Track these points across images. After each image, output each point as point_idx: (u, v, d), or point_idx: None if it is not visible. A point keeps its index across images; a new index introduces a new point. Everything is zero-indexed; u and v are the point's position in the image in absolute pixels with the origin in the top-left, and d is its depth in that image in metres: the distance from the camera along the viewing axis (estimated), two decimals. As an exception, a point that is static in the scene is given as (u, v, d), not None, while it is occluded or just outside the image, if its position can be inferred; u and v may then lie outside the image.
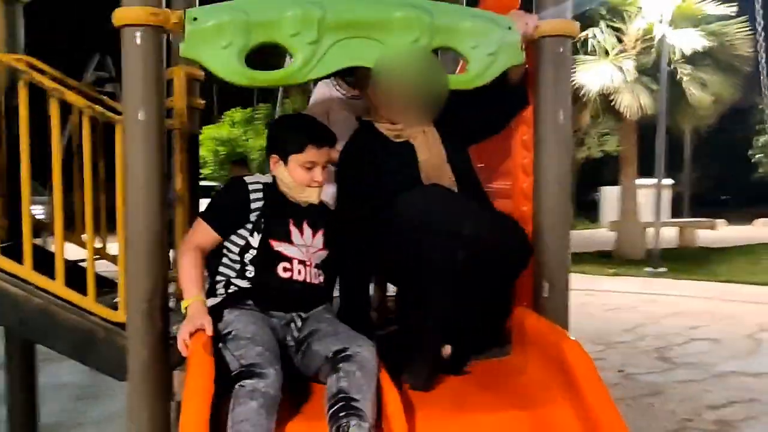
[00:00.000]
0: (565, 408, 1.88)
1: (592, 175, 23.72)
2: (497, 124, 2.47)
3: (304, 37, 2.13)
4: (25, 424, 3.38)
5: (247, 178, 2.26)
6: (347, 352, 1.97)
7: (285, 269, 2.19)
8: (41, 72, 2.61)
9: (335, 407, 1.83)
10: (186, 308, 1.96)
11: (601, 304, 9.52)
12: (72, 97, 2.40)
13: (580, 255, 14.18)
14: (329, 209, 2.39)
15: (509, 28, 2.25)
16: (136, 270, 2.09)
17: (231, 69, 2.11)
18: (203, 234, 2.17)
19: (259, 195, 2.21)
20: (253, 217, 2.18)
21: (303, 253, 2.22)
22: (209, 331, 1.91)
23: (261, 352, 1.92)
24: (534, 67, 2.34)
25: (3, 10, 3.08)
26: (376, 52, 2.19)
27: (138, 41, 2.07)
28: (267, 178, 2.28)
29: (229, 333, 1.99)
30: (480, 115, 2.43)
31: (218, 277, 2.19)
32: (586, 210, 24.67)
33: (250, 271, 2.17)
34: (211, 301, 2.13)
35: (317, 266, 2.26)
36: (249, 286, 2.16)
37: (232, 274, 2.18)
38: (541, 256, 2.29)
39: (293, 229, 2.23)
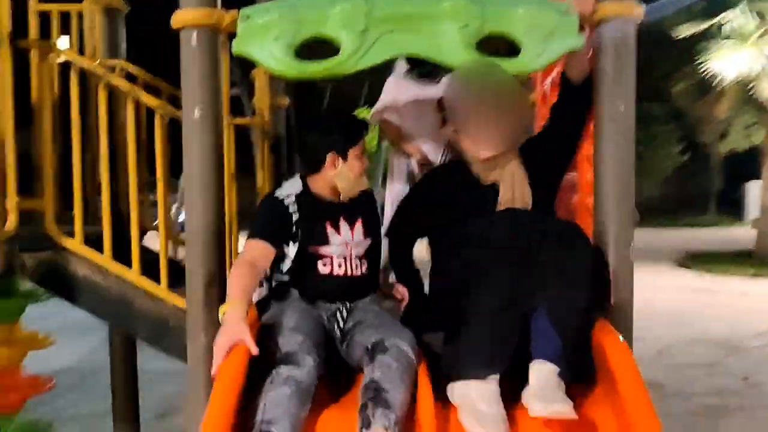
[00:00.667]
0: (605, 406, 1.79)
1: (738, 170, 22.25)
2: (574, 133, 2.35)
3: (351, 29, 2.14)
4: (128, 411, 3.63)
5: (278, 193, 2.26)
6: (385, 344, 1.97)
7: (324, 264, 2.22)
8: (133, 77, 2.80)
9: (366, 397, 1.83)
10: (224, 313, 1.96)
11: (732, 305, 8.91)
12: (146, 98, 2.55)
13: (718, 254, 13.34)
14: (365, 196, 2.35)
15: (565, 12, 2.15)
16: (194, 262, 2.19)
17: (281, 61, 2.15)
18: (253, 249, 2.16)
19: (295, 207, 2.22)
20: (293, 228, 2.20)
21: (342, 249, 2.24)
22: (253, 350, 1.87)
23: (302, 341, 1.95)
24: (594, 54, 2.23)
25: (104, 20, 3.32)
26: (424, 41, 2.16)
27: (194, 42, 2.16)
28: (294, 188, 2.27)
29: (274, 324, 2.04)
30: (557, 130, 2.34)
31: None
32: (731, 207, 23.26)
33: (294, 274, 2.22)
34: (257, 295, 2.18)
35: (358, 257, 2.27)
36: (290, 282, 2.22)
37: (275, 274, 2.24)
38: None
39: (330, 231, 2.24)
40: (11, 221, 2.59)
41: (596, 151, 2.22)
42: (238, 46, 2.18)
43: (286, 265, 2.22)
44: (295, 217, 2.20)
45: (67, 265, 2.60)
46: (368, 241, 2.30)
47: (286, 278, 2.23)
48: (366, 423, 1.78)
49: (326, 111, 3.20)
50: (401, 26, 2.16)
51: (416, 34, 2.16)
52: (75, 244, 2.60)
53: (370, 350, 1.98)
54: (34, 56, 2.55)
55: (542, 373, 1.84)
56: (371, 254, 2.32)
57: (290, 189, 2.26)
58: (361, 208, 2.31)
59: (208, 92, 2.19)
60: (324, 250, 2.23)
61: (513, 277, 1.94)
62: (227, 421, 1.72)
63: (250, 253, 2.15)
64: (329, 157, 2.21)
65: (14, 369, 3.05)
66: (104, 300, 2.56)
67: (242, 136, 3.33)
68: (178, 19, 2.17)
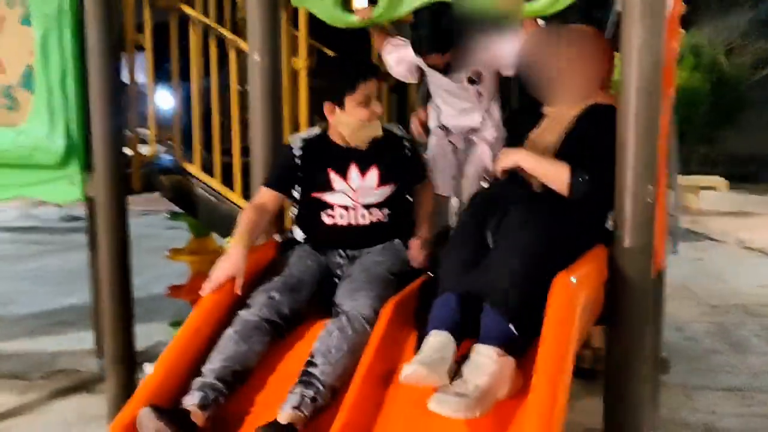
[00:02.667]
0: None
1: None
2: None
3: (388, -19, 2.31)
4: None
5: (291, 137, 2.39)
6: (340, 308, 2.05)
7: (328, 215, 2.30)
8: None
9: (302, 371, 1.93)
10: (228, 244, 2.22)
11: None
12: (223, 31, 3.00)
13: None
14: (391, 142, 2.37)
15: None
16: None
17: (330, 14, 2.41)
18: (261, 195, 2.34)
19: (300, 152, 2.32)
20: (298, 173, 2.32)
21: (348, 197, 2.28)
22: (237, 291, 2.08)
23: (277, 282, 2.12)
24: None
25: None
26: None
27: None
28: (310, 132, 2.37)
29: (272, 270, 2.24)
30: None
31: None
32: None
33: (301, 221, 2.38)
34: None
35: (368, 206, 2.29)
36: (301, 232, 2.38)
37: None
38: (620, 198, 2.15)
39: (333, 177, 2.29)
40: (152, 149, 3.22)
41: (622, 87, 2.16)
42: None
43: (295, 210, 2.38)
44: (299, 162, 2.31)
45: (191, 187, 3.16)
46: (386, 189, 2.32)
47: (298, 231, 2.38)
48: (287, 400, 1.86)
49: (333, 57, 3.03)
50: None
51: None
52: (195, 169, 3.14)
53: (333, 310, 2.08)
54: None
55: (469, 365, 1.78)
56: (392, 202, 2.33)
57: (306, 134, 2.39)
58: (382, 154, 2.32)
59: (268, 40, 2.53)
60: (327, 197, 2.30)
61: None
62: (179, 360, 1.95)
63: (258, 198, 2.35)
64: (326, 105, 2.26)
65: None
66: (216, 215, 3.07)
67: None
68: (243, -25, 2.53)
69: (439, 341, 1.80)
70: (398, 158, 2.37)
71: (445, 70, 2.39)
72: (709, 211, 10.75)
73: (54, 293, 6.34)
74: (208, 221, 3.19)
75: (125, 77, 3.14)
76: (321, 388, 1.87)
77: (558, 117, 2.36)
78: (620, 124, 2.14)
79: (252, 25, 2.53)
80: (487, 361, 1.73)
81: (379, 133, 2.32)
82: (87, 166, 2.94)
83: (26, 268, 7.48)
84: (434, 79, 2.48)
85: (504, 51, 2.37)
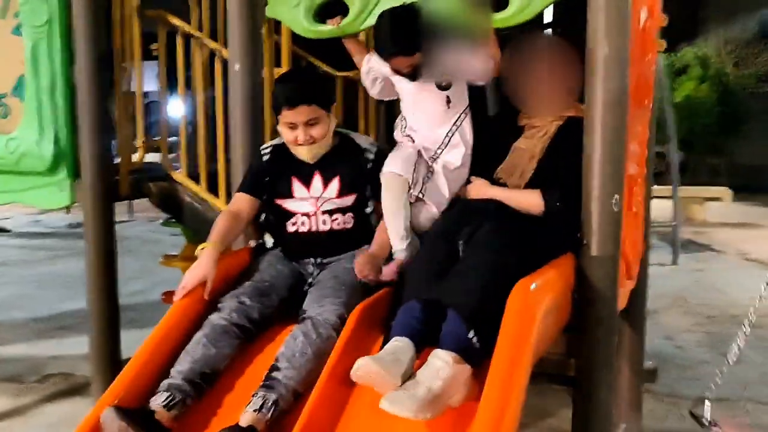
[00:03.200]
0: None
1: None
2: None
3: (358, -7, 2.37)
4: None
5: (263, 146, 2.43)
6: (306, 314, 2.07)
7: (292, 224, 2.35)
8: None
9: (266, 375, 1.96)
10: (201, 249, 2.21)
11: None
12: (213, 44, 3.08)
13: None
14: (355, 154, 2.37)
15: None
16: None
17: (301, 25, 2.47)
18: (236, 200, 2.39)
19: (268, 158, 2.38)
20: (266, 179, 2.37)
21: (308, 205, 2.33)
22: (206, 295, 2.13)
23: (248, 287, 2.16)
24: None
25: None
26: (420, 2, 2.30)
27: (236, 7, 2.57)
28: (279, 140, 2.37)
29: (245, 275, 2.27)
30: None
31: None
32: None
33: (269, 228, 2.44)
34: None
35: (329, 212, 2.33)
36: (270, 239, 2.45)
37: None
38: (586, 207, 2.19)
39: (296, 185, 2.33)
40: (140, 155, 3.29)
41: (587, 96, 2.19)
42: (270, 11, 2.54)
43: (263, 216, 2.42)
44: (267, 167, 2.37)
45: (177, 193, 3.22)
46: (347, 199, 2.34)
47: (269, 239, 2.45)
48: (249, 403, 1.88)
49: (293, 68, 2.97)
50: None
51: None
52: (181, 177, 3.21)
53: (299, 317, 2.10)
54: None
55: (425, 368, 1.80)
56: (357, 209, 2.36)
57: (277, 141, 2.41)
58: (343, 165, 2.34)
59: (249, 49, 2.59)
60: (290, 205, 2.35)
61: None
62: (148, 363, 2.00)
63: (234, 203, 2.40)
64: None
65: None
66: (202, 220, 3.12)
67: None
68: (222, -13, 2.59)
69: (396, 345, 1.84)
70: (359, 170, 2.37)
71: (412, 75, 2.33)
72: (713, 222, 10.71)
73: (58, 298, 6.41)
74: (195, 227, 3.24)
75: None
76: (284, 392, 1.90)
77: (541, 127, 2.43)
78: (587, 135, 2.18)
79: (232, 35, 2.59)
80: (442, 366, 1.76)
81: (308, 159, 2.32)
82: (75, 173, 3.01)
83: (33, 273, 7.57)
84: (401, 86, 2.44)
85: (473, 60, 2.37)
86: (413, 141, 2.38)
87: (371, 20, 2.39)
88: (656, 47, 2.91)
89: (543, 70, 2.41)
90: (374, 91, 2.56)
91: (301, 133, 2.25)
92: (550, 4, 2.21)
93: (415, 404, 1.67)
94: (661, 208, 9.39)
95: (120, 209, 9.72)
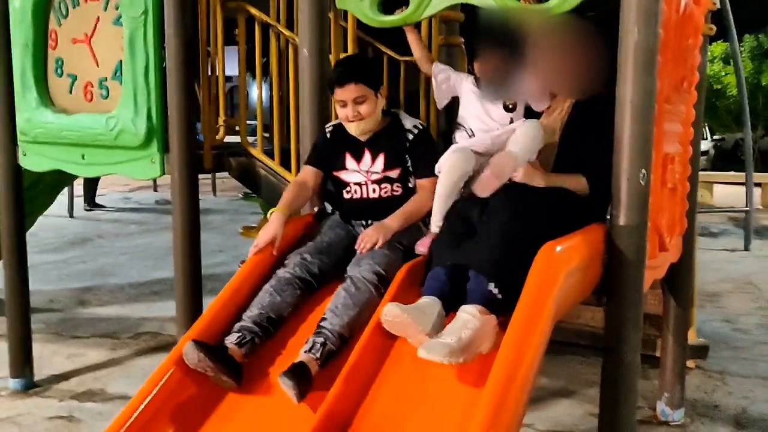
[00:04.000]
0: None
1: None
2: None
3: (417, -15, 2.61)
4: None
5: (327, 124, 2.74)
6: (348, 274, 2.37)
7: (347, 192, 2.67)
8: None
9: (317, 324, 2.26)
10: (271, 213, 2.53)
11: None
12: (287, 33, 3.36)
13: None
14: (400, 134, 2.63)
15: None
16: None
17: (366, 15, 2.72)
18: (303, 172, 2.73)
19: (329, 136, 2.70)
20: (328, 153, 2.69)
21: (361, 176, 2.63)
22: (275, 251, 2.46)
23: (310, 246, 2.49)
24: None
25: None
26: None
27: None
28: (339, 121, 2.67)
29: (309, 236, 2.61)
30: None
31: None
32: None
33: (329, 196, 2.75)
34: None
35: (377, 182, 2.62)
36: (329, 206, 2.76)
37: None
38: (616, 181, 2.37)
39: (349, 159, 2.64)
40: (221, 134, 3.64)
41: (618, 77, 2.37)
42: (340, 2, 2.79)
43: (329, 185, 2.72)
44: (327, 143, 2.69)
45: (254, 167, 3.55)
46: (392, 173, 2.62)
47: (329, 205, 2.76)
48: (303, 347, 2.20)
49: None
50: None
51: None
52: (257, 152, 3.54)
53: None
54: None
55: (455, 321, 2.03)
56: (403, 179, 2.64)
57: (337, 121, 2.71)
58: (389, 142, 2.63)
59: (317, 37, 2.88)
60: (345, 176, 2.66)
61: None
62: (224, 308, 2.33)
63: (300, 175, 2.74)
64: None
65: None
66: (275, 192, 3.44)
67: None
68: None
69: (422, 301, 2.11)
70: (402, 147, 2.63)
71: (486, 81, 2.58)
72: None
73: (148, 267, 7.00)
74: (269, 198, 3.57)
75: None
76: (329, 335, 2.19)
77: (555, 106, 2.65)
78: (618, 115, 2.35)
79: (302, 24, 2.88)
80: (470, 318, 2.01)
81: (357, 134, 2.61)
82: (165, 148, 3.38)
83: (126, 245, 8.21)
84: (470, 95, 2.65)
85: (534, 85, 2.56)
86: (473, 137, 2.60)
87: (429, 11, 2.62)
88: (700, 32, 3.03)
89: (563, 53, 2.56)
90: (439, 92, 2.80)
91: (350, 110, 2.54)
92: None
93: (447, 350, 1.92)
94: (736, 194, 9.28)
95: (204, 188, 10.28)
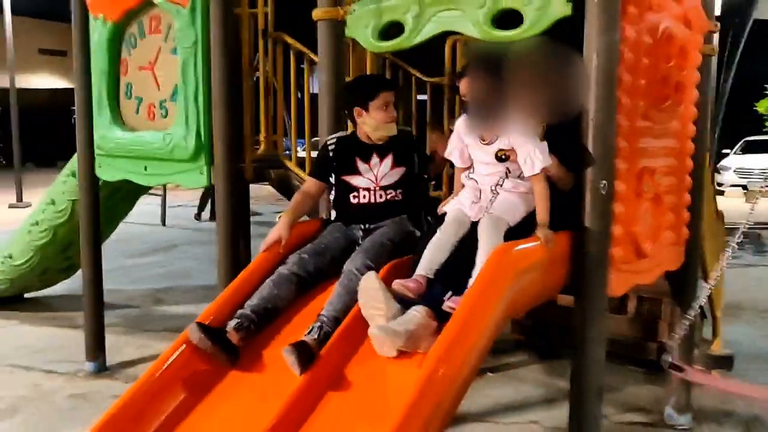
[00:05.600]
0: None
1: None
2: None
3: (410, 13, 2.94)
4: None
5: (328, 138, 3.07)
6: (345, 268, 2.65)
7: (353, 197, 2.96)
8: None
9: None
10: (279, 217, 2.90)
11: None
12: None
13: None
14: (402, 138, 2.98)
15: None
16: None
17: (368, 42, 3.09)
18: (307, 183, 3.10)
19: (333, 147, 3.02)
20: (332, 163, 3.01)
21: (369, 179, 2.94)
22: (281, 249, 2.80)
23: (308, 248, 2.82)
24: None
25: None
26: (458, 19, 2.83)
27: (325, 29, 3.25)
28: (342, 133, 3.06)
29: (311, 240, 2.93)
30: None
31: None
32: None
33: (334, 203, 3.07)
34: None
35: (384, 188, 2.93)
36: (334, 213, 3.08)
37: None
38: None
39: (360, 163, 2.94)
40: (262, 148, 4.08)
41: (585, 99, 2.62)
42: (348, 32, 3.18)
43: (332, 194, 3.05)
44: (332, 155, 3.01)
45: (289, 178, 3.97)
46: (399, 170, 2.94)
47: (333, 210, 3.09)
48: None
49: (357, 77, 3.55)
50: (444, 7, 2.86)
51: (452, 14, 2.85)
52: (292, 165, 3.96)
53: None
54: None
55: (405, 317, 2.36)
56: (405, 183, 2.94)
57: (340, 133, 3.07)
58: (395, 147, 2.95)
59: (333, 62, 3.26)
60: (354, 180, 2.95)
61: None
62: (232, 298, 2.70)
63: (305, 185, 3.11)
64: (355, 110, 2.92)
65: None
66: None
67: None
68: (314, 14, 3.26)
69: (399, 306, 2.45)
70: (409, 148, 3.01)
71: (476, 112, 2.72)
72: None
73: (221, 271, 7.58)
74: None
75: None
76: (326, 319, 2.53)
77: None
78: (583, 131, 2.61)
79: (321, 53, 3.28)
80: (417, 315, 2.34)
81: (394, 132, 2.96)
82: (211, 160, 3.84)
83: (204, 251, 8.83)
84: (471, 150, 2.80)
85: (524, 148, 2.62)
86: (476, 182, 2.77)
87: (420, 37, 2.96)
88: (692, 53, 3.21)
89: (536, 77, 2.73)
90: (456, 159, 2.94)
91: (392, 111, 2.92)
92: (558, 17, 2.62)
93: (392, 333, 2.27)
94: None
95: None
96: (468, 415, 3.85)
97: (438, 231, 2.63)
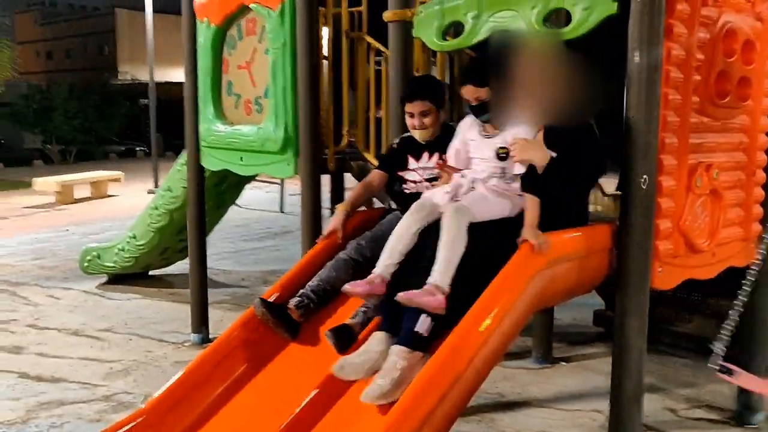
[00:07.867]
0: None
1: None
2: None
3: (470, 14, 3.10)
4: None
5: (401, 136, 3.27)
6: None
7: (406, 189, 3.20)
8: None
9: None
10: (336, 208, 3.16)
11: None
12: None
13: None
14: (444, 134, 3.09)
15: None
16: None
17: (432, 41, 3.27)
18: (371, 174, 3.32)
19: (397, 145, 3.26)
20: (396, 159, 3.22)
21: (418, 174, 3.17)
22: (338, 238, 3.05)
23: (366, 234, 3.05)
24: None
25: None
26: (512, 19, 2.95)
27: (396, 29, 3.46)
28: (408, 133, 3.20)
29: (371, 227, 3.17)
30: None
31: None
32: None
33: (393, 194, 3.29)
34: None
35: (429, 180, 3.13)
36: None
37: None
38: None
39: (411, 159, 3.18)
40: (344, 142, 4.35)
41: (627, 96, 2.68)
42: (415, 32, 3.37)
43: (396, 186, 3.25)
44: (396, 151, 3.24)
45: (369, 170, 4.20)
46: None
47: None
48: None
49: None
50: (500, 8, 3.00)
51: (507, 14, 2.97)
52: (370, 157, 4.20)
53: None
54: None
55: (386, 364, 2.42)
56: None
57: (406, 134, 3.24)
58: (443, 143, 3.09)
59: (402, 63, 3.47)
60: (406, 174, 3.20)
61: None
62: (293, 280, 2.99)
63: (368, 177, 3.33)
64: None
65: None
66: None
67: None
68: (385, 15, 3.49)
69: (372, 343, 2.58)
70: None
71: (477, 109, 2.86)
72: None
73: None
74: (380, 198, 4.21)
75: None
76: (370, 306, 2.76)
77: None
78: (626, 130, 2.68)
79: (391, 51, 3.50)
80: (397, 360, 2.41)
81: (422, 140, 3.13)
82: (298, 153, 4.15)
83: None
84: (471, 146, 2.95)
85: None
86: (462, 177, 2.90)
87: (478, 37, 3.10)
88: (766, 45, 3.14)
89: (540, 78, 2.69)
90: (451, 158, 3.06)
91: (416, 120, 3.09)
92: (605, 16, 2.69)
93: (378, 392, 2.34)
94: None
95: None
96: (533, 400, 3.96)
97: (402, 218, 2.75)
